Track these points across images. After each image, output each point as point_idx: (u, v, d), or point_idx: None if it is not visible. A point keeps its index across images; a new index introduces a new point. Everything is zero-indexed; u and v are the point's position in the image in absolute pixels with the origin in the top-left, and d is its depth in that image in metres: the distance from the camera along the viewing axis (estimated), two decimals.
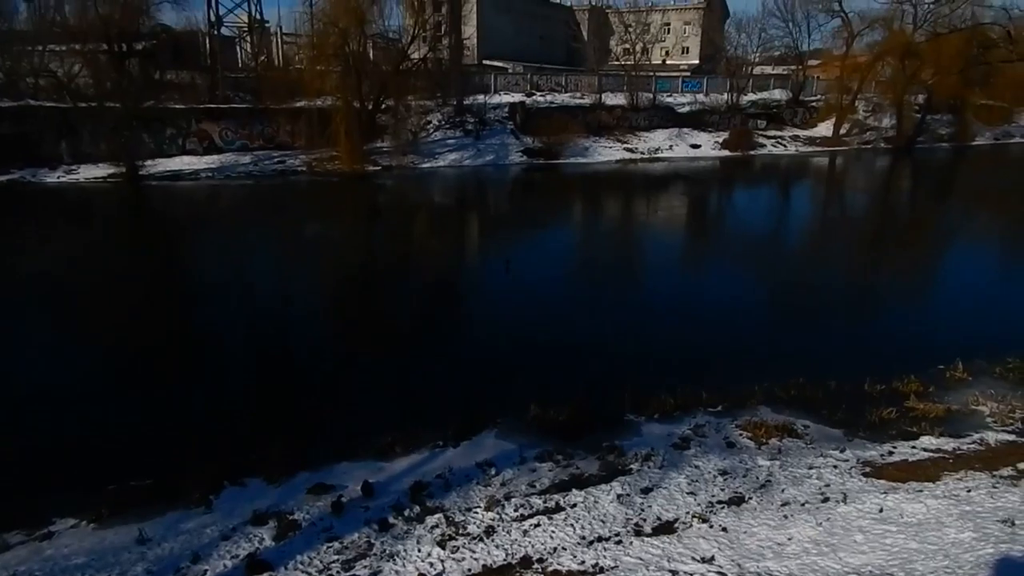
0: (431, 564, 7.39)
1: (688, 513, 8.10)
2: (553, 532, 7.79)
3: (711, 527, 7.67)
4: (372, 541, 7.89)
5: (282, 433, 10.03)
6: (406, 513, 8.41)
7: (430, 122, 46.96)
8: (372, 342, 14.97)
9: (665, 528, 7.81)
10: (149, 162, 37.01)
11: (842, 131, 56.58)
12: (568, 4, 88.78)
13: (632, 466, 9.40)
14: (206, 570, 7.48)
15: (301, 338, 15.34)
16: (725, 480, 8.93)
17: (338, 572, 7.40)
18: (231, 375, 12.92)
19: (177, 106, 39.62)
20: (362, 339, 15.28)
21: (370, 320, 16.72)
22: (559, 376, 12.38)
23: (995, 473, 8.56)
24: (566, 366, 12.96)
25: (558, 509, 8.33)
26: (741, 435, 10.31)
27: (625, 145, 50.08)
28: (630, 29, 58.90)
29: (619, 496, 8.53)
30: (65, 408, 11.27)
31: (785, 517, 7.76)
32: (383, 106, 42.63)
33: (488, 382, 12.29)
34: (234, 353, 14.16)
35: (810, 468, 9.17)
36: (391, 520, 8.27)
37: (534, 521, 8.05)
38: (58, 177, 35.10)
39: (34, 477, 9.06)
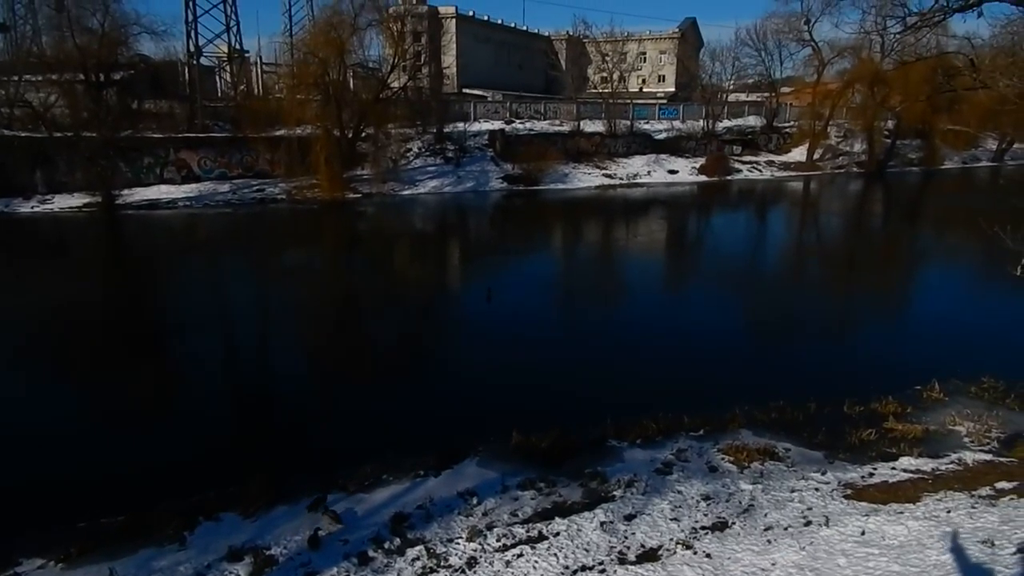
0: None
1: (672, 540, 8.04)
2: (536, 562, 7.68)
3: (695, 554, 7.61)
4: None
5: (259, 465, 9.81)
6: (386, 546, 8.24)
7: (410, 149, 47.20)
8: (352, 371, 14.80)
9: (649, 556, 7.74)
10: (126, 191, 36.79)
11: (815, 156, 57.91)
12: (546, 34, 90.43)
13: (615, 493, 9.33)
14: None
15: (279, 368, 15.14)
16: (708, 505, 8.89)
17: None
18: (206, 407, 12.68)
19: (155, 135, 39.45)
20: (342, 368, 15.10)
21: (350, 349, 16.57)
22: (541, 403, 12.31)
23: (974, 493, 8.62)
24: (548, 393, 12.91)
25: (541, 538, 8.22)
26: (723, 459, 10.30)
27: (604, 171, 50.82)
28: (607, 58, 59.93)
29: (602, 524, 8.44)
30: (34, 444, 10.97)
31: (768, 542, 7.73)
32: (363, 134, 42.85)
33: (469, 410, 12.20)
34: (210, 384, 13.94)
35: (792, 491, 9.17)
36: (371, 553, 8.09)
37: (517, 551, 7.93)
38: (32, 207, 34.69)
39: (1, 516, 8.74)
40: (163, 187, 39.08)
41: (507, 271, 25.06)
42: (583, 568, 7.55)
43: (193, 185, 39.88)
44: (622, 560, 7.69)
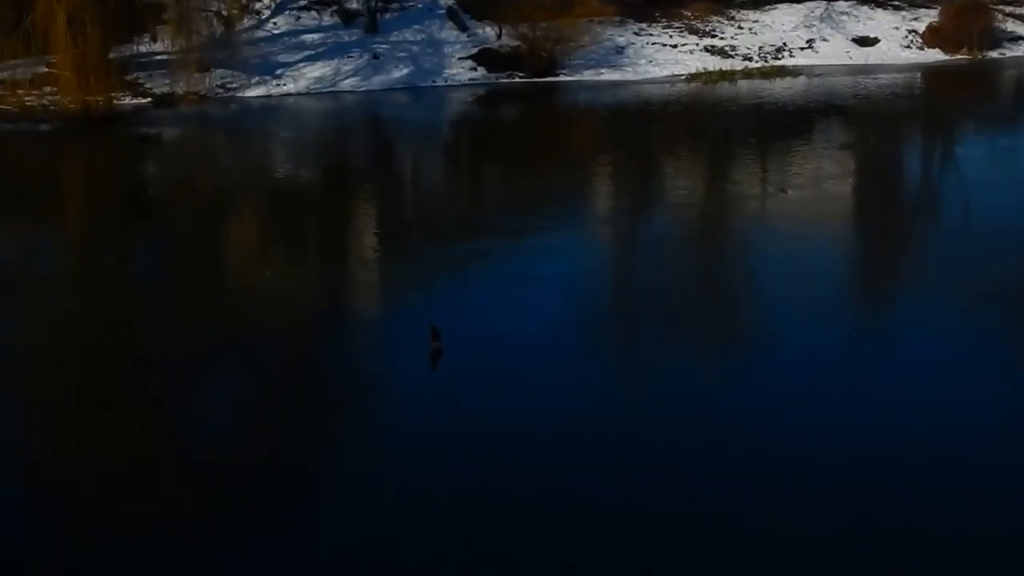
0: None
1: None
2: None
3: None
4: None
5: None
6: None
7: None
8: (133, 517, 14.21)
9: None
10: None
11: None
12: None
13: None
14: None
15: None
16: None
17: None
18: None
19: None
20: (108, 508, 14.42)
21: (125, 463, 15.82)
22: None
23: None
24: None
25: None
26: None
27: (707, 41, 51.29)
28: None
29: None
30: None
31: None
32: None
33: None
34: None
35: None
36: None
37: None
38: None
39: None
40: None
41: (478, 284, 24.05)
42: None
43: None
44: None
